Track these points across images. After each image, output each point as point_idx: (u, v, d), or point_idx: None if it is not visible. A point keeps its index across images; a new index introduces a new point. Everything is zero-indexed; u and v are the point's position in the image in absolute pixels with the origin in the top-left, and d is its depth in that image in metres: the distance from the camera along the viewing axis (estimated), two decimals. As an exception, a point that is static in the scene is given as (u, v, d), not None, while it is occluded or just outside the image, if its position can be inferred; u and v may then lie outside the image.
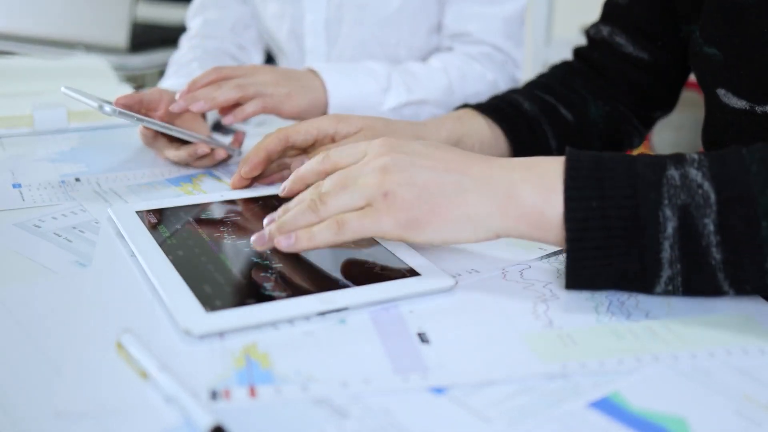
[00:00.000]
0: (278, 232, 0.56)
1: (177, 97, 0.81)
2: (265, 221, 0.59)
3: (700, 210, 0.50)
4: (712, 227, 0.50)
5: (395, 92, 0.95)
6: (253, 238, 0.57)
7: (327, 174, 0.59)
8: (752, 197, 0.50)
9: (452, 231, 0.54)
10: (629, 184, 0.52)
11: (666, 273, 0.52)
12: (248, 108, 0.81)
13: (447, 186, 0.54)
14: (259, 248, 0.57)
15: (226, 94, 0.80)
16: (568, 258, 0.53)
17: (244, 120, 0.82)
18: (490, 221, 0.54)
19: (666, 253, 0.51)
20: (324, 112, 0.90)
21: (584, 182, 0.52)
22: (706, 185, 0.51)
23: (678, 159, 0.53)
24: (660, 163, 0.53)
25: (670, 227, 0.51)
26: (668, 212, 0.51)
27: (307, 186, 0.61)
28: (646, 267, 0.52)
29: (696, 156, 0.53)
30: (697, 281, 0.52)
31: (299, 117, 0.85)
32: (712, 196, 0.50)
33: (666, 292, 0.53)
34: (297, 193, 0.60)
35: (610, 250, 0.52)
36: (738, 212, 0.50)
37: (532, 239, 0.55)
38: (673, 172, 0.52)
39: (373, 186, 0.54)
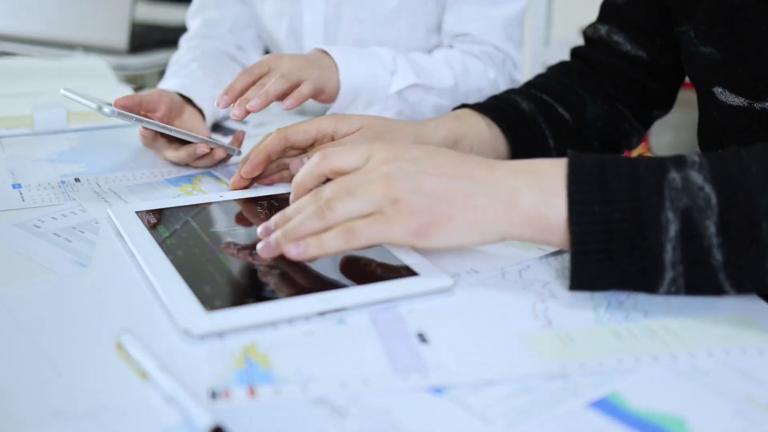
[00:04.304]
0: (284, 239, 0.55)
1: (219, 105, 0.78)
2: (260, 230, 0.57)
3: (701, 212, 0.51)
4: (713, 229, 0.51)
5: (402, 75, 0.94)
6: (259, 246, 0.56)
7: (326, 177, 0.59)
8: (752, 198, 0.50)
9: (460, 236, 0.55)
10: (631, 187, 0.52)
11: (669, 275, 0.52)
12: (304, 89, 0.80)
13: (454, 192, 0.55)
14: (266, 256, 0.56)
15: (276, 86, 0.78)
16: (572, 260, 0.53)
17: (303, 102, 0.81)
18: (496, 225, 0.54)
19: (668, 255, 0.52)
20: (337, 90, 0.89)
21: (587, 186, 0.53)
22: (707, 188, 0.51)
23: (679, 161, 0.53)
24: (661, 165, 0.53)
25: (672, 230, 0.51)
26: (670, 215, 0.51)
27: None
28: (649, 269, 0.52)
29: (696, 158, 0.53)
30: (699, 282, 0.52)
31: (335, 96, 0.86)
32: (713, 198, 0.51)
33: (669, 293, 0.54)
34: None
35: (612, 252, 0.52)
36: (738, 213, 0.50)
37: (537, 242, 0.56)
38: (675, 175, 0.52)
39: (381, 193, 0.54)
